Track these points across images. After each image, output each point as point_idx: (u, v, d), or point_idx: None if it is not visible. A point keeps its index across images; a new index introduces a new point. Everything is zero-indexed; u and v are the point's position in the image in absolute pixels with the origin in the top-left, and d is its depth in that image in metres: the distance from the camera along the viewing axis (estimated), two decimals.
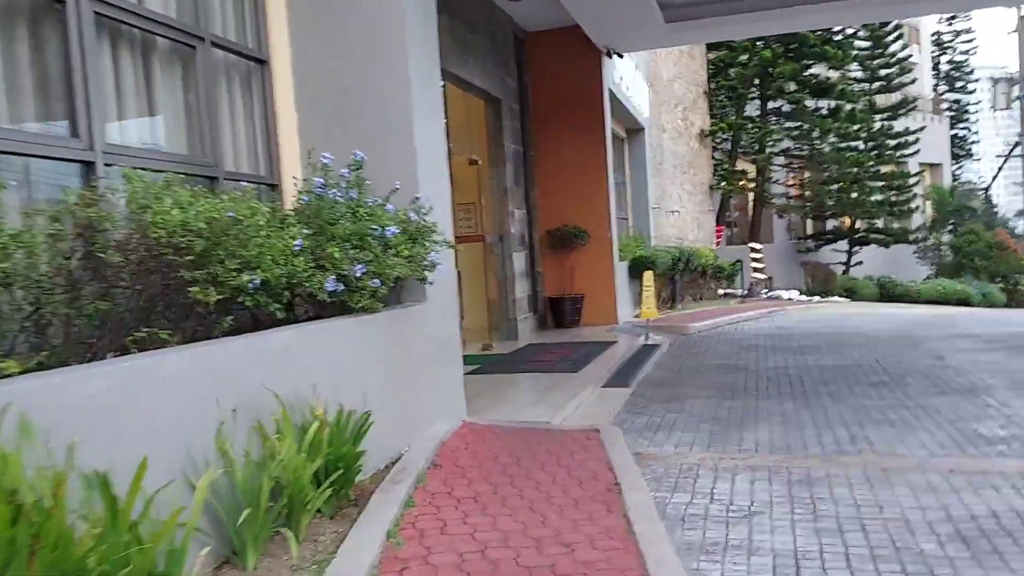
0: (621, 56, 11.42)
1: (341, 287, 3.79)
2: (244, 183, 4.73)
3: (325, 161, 4.10)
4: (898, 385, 6.64)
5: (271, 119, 4.96)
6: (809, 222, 26.12)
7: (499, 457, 4.46)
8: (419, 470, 4.09)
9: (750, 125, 21.64)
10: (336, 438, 3.47)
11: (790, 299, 19.27)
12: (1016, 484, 3.88)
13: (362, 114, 5.00)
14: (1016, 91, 25.40)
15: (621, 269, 11.82)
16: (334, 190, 3.99)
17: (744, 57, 21.52)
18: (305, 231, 3.79)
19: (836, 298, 20.65)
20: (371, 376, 4.18)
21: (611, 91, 11.64)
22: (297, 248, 3.61)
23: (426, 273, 4.49)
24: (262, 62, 4.96)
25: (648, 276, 10.13)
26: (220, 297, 3.22)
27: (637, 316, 12.34)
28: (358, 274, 3.79)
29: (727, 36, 15.97)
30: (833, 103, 22.02)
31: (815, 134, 22.38)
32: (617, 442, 4.82)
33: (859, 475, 4.17)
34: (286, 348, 3.50)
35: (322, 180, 3.97)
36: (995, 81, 27.64)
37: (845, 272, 24.20)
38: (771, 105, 22.56)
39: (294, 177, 4.50)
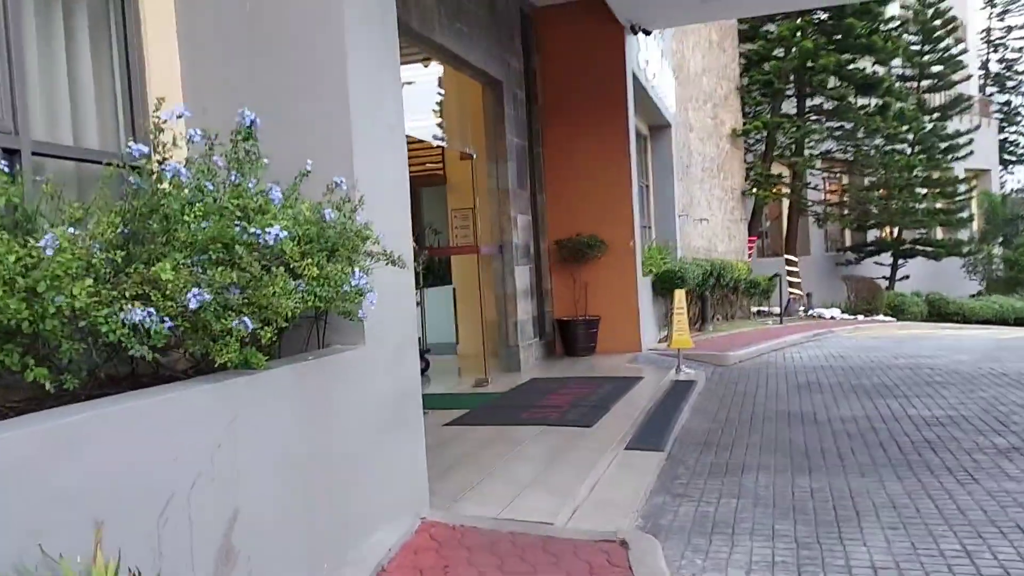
0: (648, 33, 9.67)
1: (161, 325, 2.06)
2: (84, 161, 3.05)
3: (167, 119, 2.38)
4: None
5: (136, 67, 3.26)
6: (847, 232, 24.09)
7: None
8: None
9: (787, 124, 19.68)
10: None
11: (832, 318, 17.45)
12: None
13: (278, 61, 3.31)
14: None
15: (644, 286, 10.03)
16: (173, 164, 2.27)
17: (779, 51, 19.68)
18: (94, 232, 2.07)
19: (882, 317, 18.77)
20: (250, 480, 2.45)
21: (635, 76, 9.90)
22: (49, 251, 1.91)
23: (351, 306, 2.74)
24: None
25: (680, 296, 8.34)
26: None
27: (663, 342, 10.55)
28: (192, 305, 2.07)
29: (769, 8, 14.15)
30: (880, 100, 20.01)
31: (860, 134, 20.37)
32: (656, 570, 3.05)
33: None
34: (30, 459, 1.78)
35: (141, 148, 2.25)
36: None
37: (889, 287, 22.19)
38: (810, 103, 20.62)
39: (128, 145, 2.73)
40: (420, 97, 9.74)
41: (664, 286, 10.72)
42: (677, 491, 4.42)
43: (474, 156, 7.88)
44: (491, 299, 8.24)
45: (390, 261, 2.91)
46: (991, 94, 33.21)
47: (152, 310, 2.02)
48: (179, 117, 2.37)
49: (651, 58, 11.00)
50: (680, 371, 8.01)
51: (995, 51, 36.72)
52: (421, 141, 10.14)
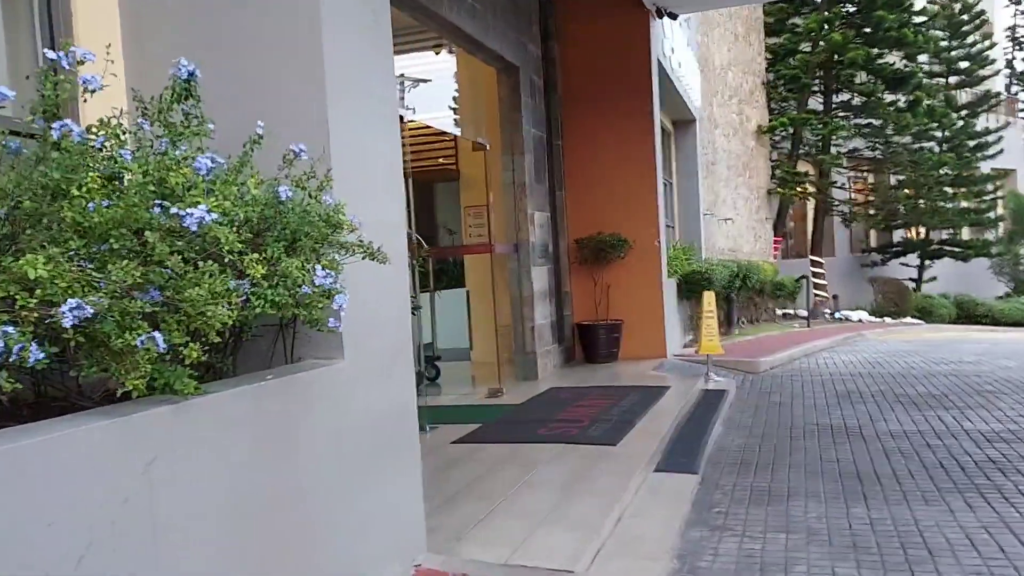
0: (674, 17, 9.04)
1: (26, 349, 1.49)
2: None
3: (62, 61, 1.80)
4: None
5: (60, 17, 2.69)
6: (873, 233, 23.29)
7: None
8: None
9: (814, 120, 18.93)
10: None
11: (859, 321, 16.76)
12: None
13: (237, 9, 2.74)
14: None
15: (669, 288, 9.40)
16: (65, 121, 1.70)
17: (806, 46, 18.95)
18: None
19: (910, 319, 18.04)
20: (176, 541, 1.87)
21: (660, 64, 9.27)
22: None
23: (318, 313, 2.15)
24: None
25: (709, 298, 7.72)
26: None
27: (688, 347, 9.91)
28: (67, 322, 1.49)
29: None
30: (910, 96, 19.22)
31: (889, 131, 19.59)
32: None
33: None
34: None
35: (4, 93, 1.67)
36: None
37: (916, 289, 21.39)
38: (837, 100, 19.83)
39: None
40: (431, 85, 9.13)
41: (689, 288, 10.10)
42: (715, 523, 3.81)
43: (487, 147, 7.30)
44: (506, 302, 7.65)
45: (368, 254, 2.32)
46: (1016, 92, 32.10)
47: (10, 328, 1.43)
48: (81, 63, 1.79)
49: (676, 46, 10.37)
50: (709, 379, 7.40)
51: (1020, 49, 35.66)
52: (442, 134, 9.56)
